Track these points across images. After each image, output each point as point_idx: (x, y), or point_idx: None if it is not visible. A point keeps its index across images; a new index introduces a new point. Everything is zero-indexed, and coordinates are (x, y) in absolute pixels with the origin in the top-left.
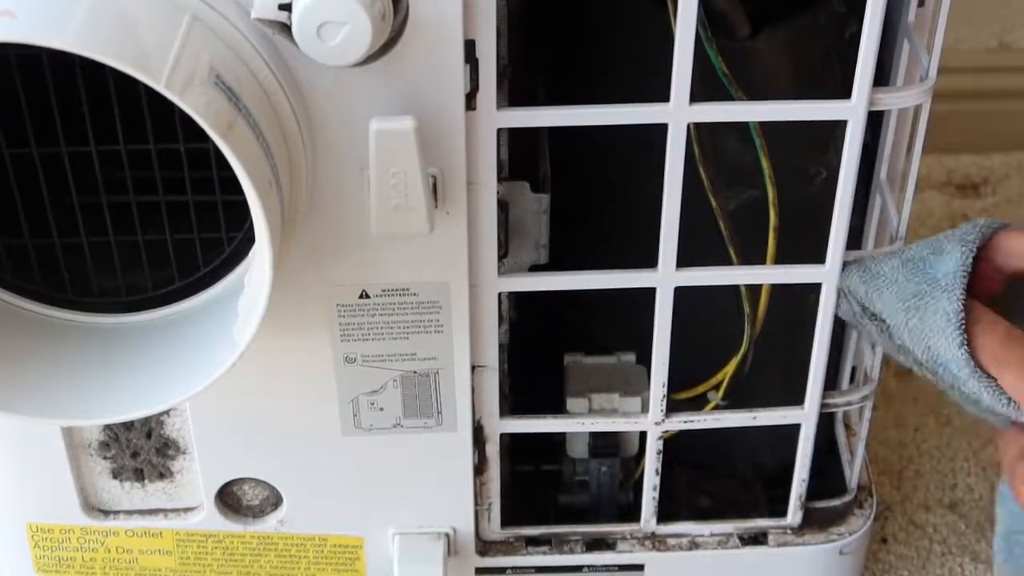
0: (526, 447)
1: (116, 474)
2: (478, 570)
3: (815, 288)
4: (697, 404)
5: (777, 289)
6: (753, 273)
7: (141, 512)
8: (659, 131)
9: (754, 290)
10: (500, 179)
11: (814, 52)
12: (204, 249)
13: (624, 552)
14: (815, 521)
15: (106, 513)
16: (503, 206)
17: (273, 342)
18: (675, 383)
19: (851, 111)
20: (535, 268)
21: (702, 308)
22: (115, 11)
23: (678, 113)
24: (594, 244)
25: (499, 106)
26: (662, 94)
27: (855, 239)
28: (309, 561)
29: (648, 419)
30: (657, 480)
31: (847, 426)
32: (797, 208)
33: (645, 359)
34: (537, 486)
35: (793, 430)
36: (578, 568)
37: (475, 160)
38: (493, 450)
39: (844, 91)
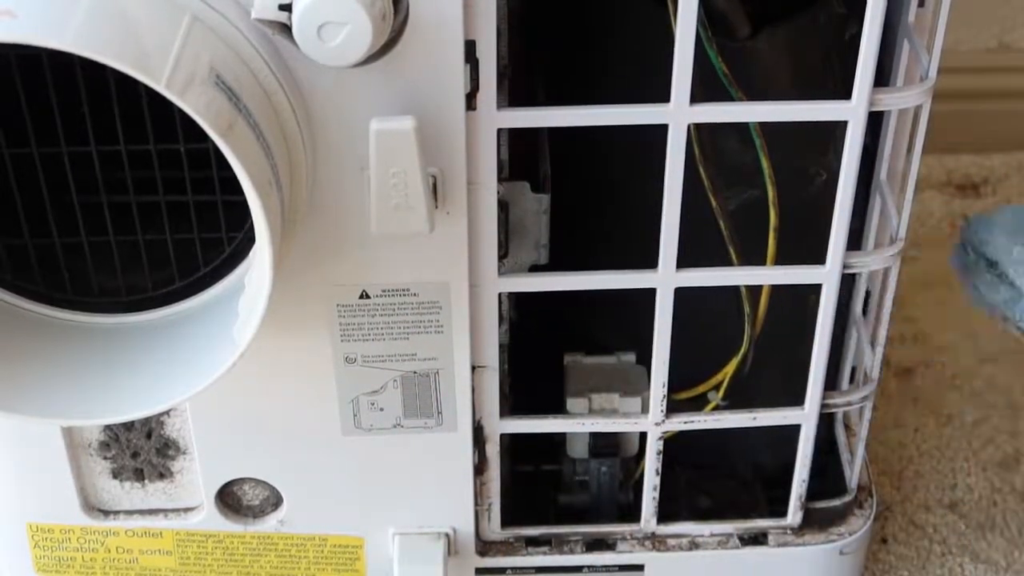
0: (526, 447)
1: (116, 474)
2: (478, 570)
3: (815, 288)
4: (697, 404)
5: (777, 289)
6: (753, 274)
7: (141, 512)
8: (659, 131)
9: (754, 290)
10: (500, 179)
11: (814, 52)
12: (204, 249)
13: (624, 552)
14: (815, 521)
15: (106, 513)
16: (503, 206)
17: (273, 342)
18: (675, 383)
19: (851, 111)
20: (535, 268)
21: (702, 308)
22: (115, 11)
23: (678, 113)
24: (594, 244)
25: (499, 106)
26: (662, 94)
27: (855, 239)
28: (309, 561)
29: (648, 419)
30: (657, 480)
31: (847, 426)
32: (797, 208)
33: (645, 359)
34: (537, 486)
35: (793, 430)
36: (578, 568)
37: (475, 160)
38: (493, 450)
39: (844, 92)
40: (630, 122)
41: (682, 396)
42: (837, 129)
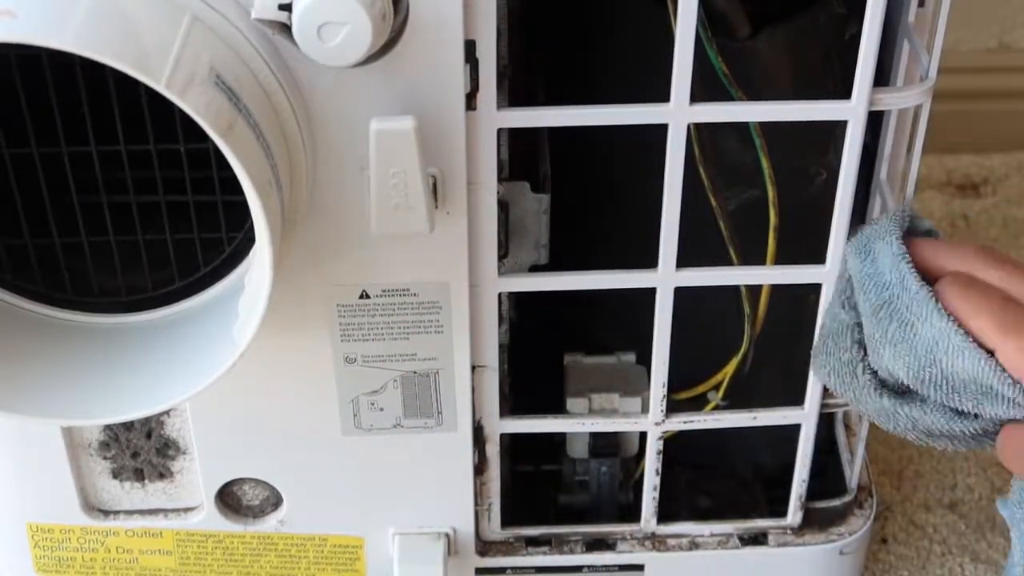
0: (526, 447)
1: (116, 474)
2: (478, 570)
3: (815, 288)
4: (697, 404)
5: (777, 289)
6: (753, 273)
7: (141, 512)
8: (659, 131)
9: (754, 290)
10: (500, 179)
11: (814, 52)
12: (204, 249)
13: (624, 552)
14: (815, 521)
15: (106, 513)
16: (503, 206)
17: (273, 342)
18: (675, 383)
19: (851, 111)
20: (535, 268)
21: (702, 308)
22: (115, 11)
23: (678, 113)
24: (594, 244)
25: (499, 106)
26: (662, 94)
27: None
28: (309, 561)
29: (648, 419)
30: (657, 480)
31: (847, 426)
32: (797, 208)
33: (645, 359)
34: (537, 486)
35: (793, 430)
36: (578, 568)
37: (475, 160)
38: (493, 450)
39: (844, 91)
40: (630, 122)
41: (682, 396)
42: (837, 129)
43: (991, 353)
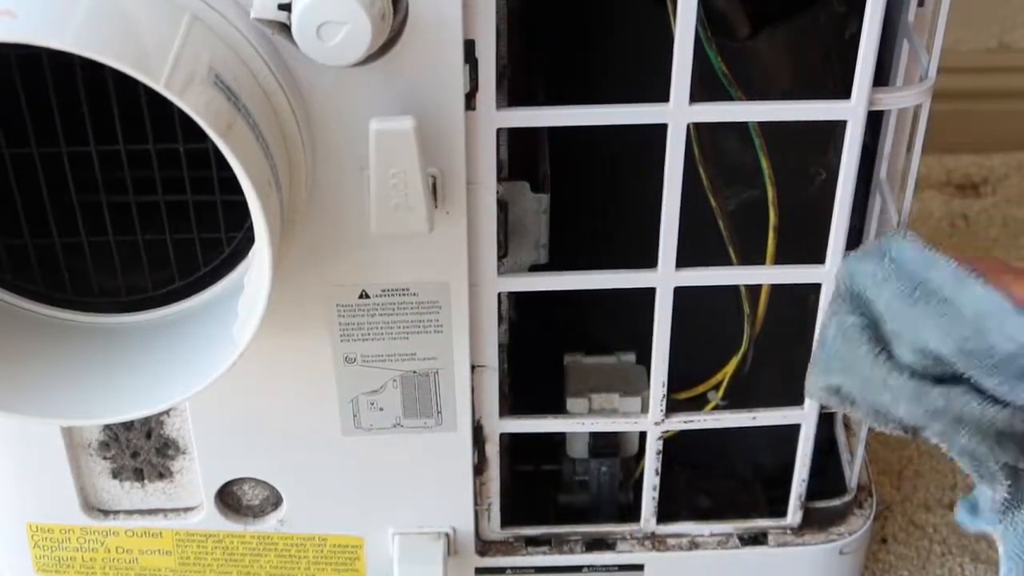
0: (526, 447)
1: (116, 474)
2: (478, 570)
3: (815, 288)
4: (697, 404)
5: (777, 289)
6: (753, 273)
7: (141, 512)
8: (659, 131)
9: (754, 290)
10: (500, 179)
11: (814, 52)
12: (204, 249)
13: (624, 552)
14: (815, 521)
15: (106, 513)
16: (503, 206)
17: (273, 342)
18: (675, 383)
19: (851, 111)
20: (535, 268)
21: (702, 308)
22: (115, 11)
23: (678, 113)
24: (594, 244)
25: (499, 106)
26: (662, 94)
27: (855, 239)
28: (309, 561)
29: (648, 419)
30: (657, 480)
31: (847, 426)
32: (797, 208)
33: (645, 359)
34: (537, 486)
35: (793, 430)
36: (578, 568)
37: (475, 160)
38: (493, 450)
39: (844, 91)
40: (630, 122)
41: (682, 396)
42: (837, 129)
43: None
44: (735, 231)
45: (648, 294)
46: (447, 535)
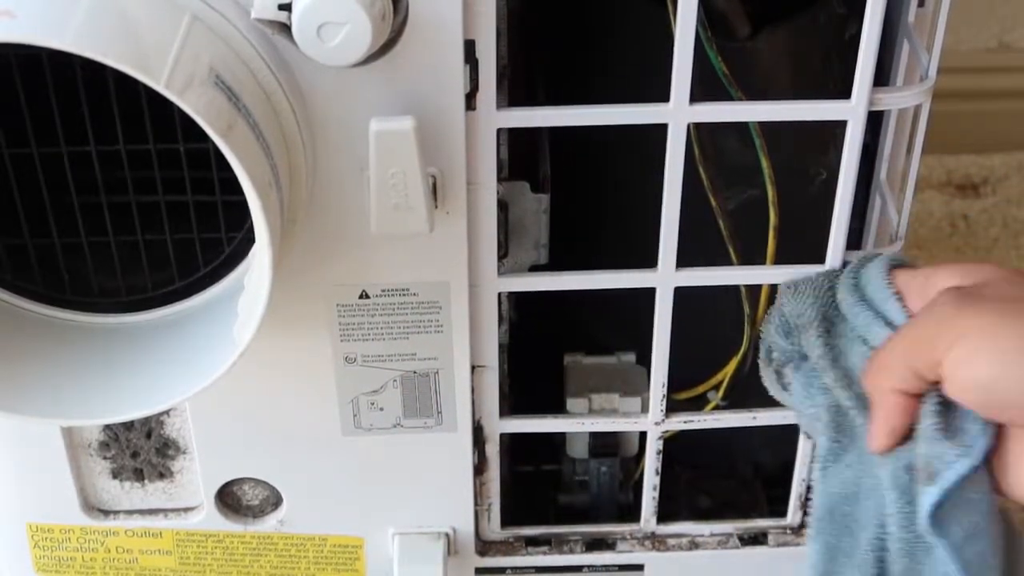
0: (526, 447)
1: (116, 474)
2: (478, 570)
3: None
4: (697, 404)
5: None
6: (753, 273)
7: (141, 512)
8: (659, 131)
9: (754, 290)
10: (500, 179)
11: (814, 52)
12: (204, 249)
13: (624, 552)
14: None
15: (106, 513)
16: (503, 206)
17: (273, 342)
18: (675, 383)
19: (851, 111)
20: (535, 268)
21: (702, 308)
22: (115, 11)
23: (678, 113)
24: (594, 244)
25: (499, 106)
26: (662, 94)
27: (855, 239)
28: (309, 561)
29: (648, 419)
30: (657, 480)
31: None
32: (797, 208)
33: (645, 359)
34: (537, 486)
35: (793, 430)
36: (578, 568)
37: (475, 160)
38: (493, 450)
39: (844, 91)
40: (630, 122)
41: (682, 396)
42: (837, 129)
43: None
44: (735, 231)
45: (648, 294)
46: (447, 535)
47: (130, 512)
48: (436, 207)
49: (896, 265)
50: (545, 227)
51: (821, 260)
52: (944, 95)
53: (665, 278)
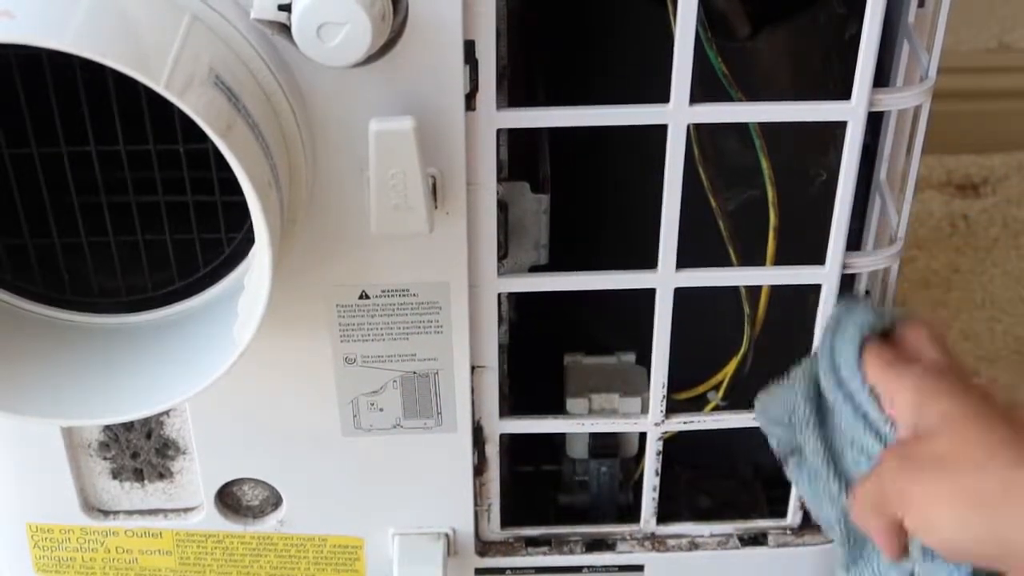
0: (526, 447)
1: (116, 474)
2: (478, 570)
3: (815, 289)
4: (697, 404)
5: (777, 289)
6: (753, 274)
7: (141, 512)
8: (659, 131)
9: (754, 290)
10: (500, 179)
11: (814, 53)
12: (204, 249)
13: (624, 552)
14: (815, 521)
15: (106, 513)
16: (503, 206)
17: (273, 342)
18: (675, 383)
19: (851, 112)
20: (535, 268)
21: (702, 308)
22: (115, 11)
23: (678, 114)
24: (594, 244)
25: (499, 106)
26: (662, 94)
27: (855, 239)
28: (309, 561)
29: (648, 420)
30: (657, 480)
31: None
32: (797, 209)
33: (645, 359)
34: (537, 486)
35: None
36: (578, 568)
37: (475, 160)
38: (493, 450)
39: (844, 92)
40: (630, 122)
41: (682, 396)
42: (837, 129)
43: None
44: (735, 232)
45: (648, 294)
46: (447, 535)
47: (130, 512)
48: (436, 207)
49: (869, 331)
50: (545, 227)
51: (821, 260)
52: (944, 95)
53: (665, 279)
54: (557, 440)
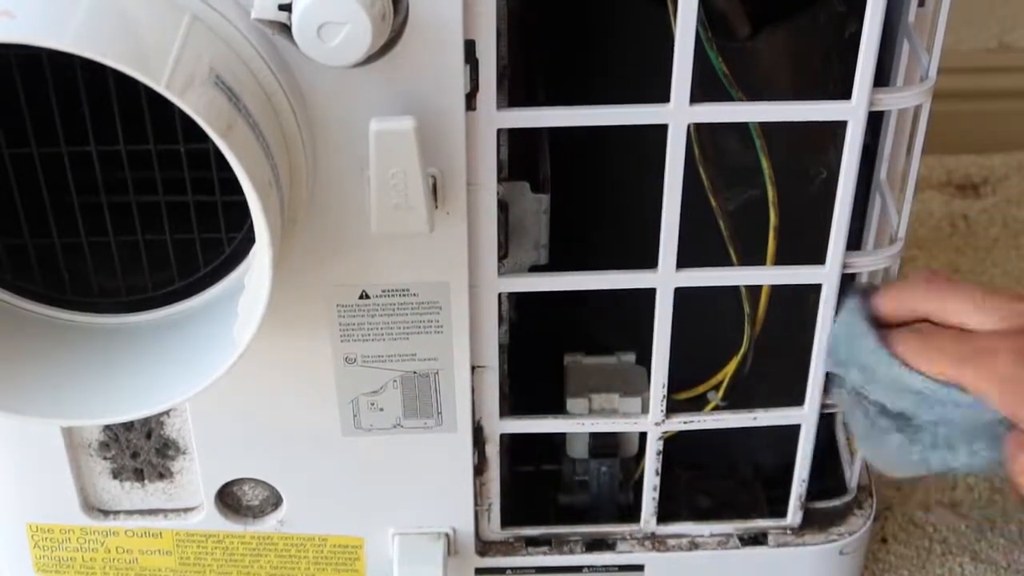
0: (526, 447)
1: (116, 474)
2: (478, 570)
3: (815, 288)
4: (697, 404)
5: (777, 289)
6: (753, 274)
7: (141, 512)
8: (659, 131)
9: (754, 290)
10: (500, 179)
11: (814, 52)
12: (204, 249)
13: (624, 552)
14: (815, 521)
15: (106, 513)
16: (503, 206)
17: (273, 342)
18: (675, 383)
19: (851, 112)
20: (535, 268)
21: (702, 308)
22: (115, 11)
23: (678, 113)
24: (594, 244)
25: (499, 106)
26: (662, 94)
27: (855, 239)
28: (309, 561)
29: (648, 419)
30: (657, 480)
31: (847, 426)
32: (797, 209)
33: (645, 359)
34: (537, 486)
35: (793, 430)
36: (578, 568)
37: (475, 160)
38: (493, 450)
39: (844, 91)
40: (630, 122)
41: (682, 396)
42: (837, 129)
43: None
44: (735, 231)
45: (648, 294)
46: (447, 535)
47: (130, 512)
48: (436, 207)
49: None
50: (545, 227)
51: (821, 260)
52: (944, 95)
53: (665, 279)
54: (557, 440)
